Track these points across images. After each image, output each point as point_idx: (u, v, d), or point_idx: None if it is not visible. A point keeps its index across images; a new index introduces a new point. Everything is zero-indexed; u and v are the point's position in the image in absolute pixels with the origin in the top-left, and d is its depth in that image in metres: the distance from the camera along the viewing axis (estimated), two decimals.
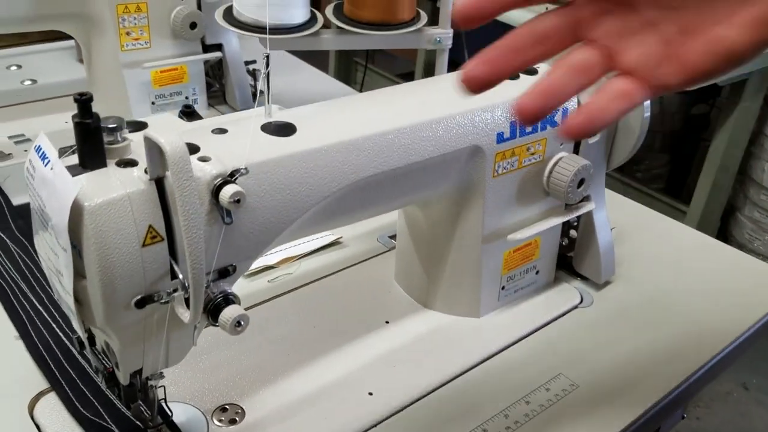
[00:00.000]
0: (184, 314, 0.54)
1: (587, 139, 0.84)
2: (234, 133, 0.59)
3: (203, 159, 0.54)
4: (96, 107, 1.18)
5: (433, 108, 0.69)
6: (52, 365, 0.71)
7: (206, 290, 0.57)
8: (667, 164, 2.74)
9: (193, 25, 1.17)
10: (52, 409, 0.68)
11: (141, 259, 0.51)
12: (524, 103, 0.43)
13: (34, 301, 0.79)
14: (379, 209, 0.70)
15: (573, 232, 0.92)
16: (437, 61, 1.22)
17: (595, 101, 0.43)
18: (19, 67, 1.37)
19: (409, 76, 3.17)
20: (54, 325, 0.76)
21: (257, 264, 0.89)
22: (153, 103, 1.20)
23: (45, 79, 1.33)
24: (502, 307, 0.86)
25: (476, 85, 0.43)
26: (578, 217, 0.90)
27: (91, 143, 0.50)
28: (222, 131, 0.59)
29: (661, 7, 0.42)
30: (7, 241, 0.89)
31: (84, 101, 0.48)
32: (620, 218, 1.06)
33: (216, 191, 0.53)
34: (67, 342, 0.74)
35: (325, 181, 0.61)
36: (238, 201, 0.53)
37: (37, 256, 0.59)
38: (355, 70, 3.22)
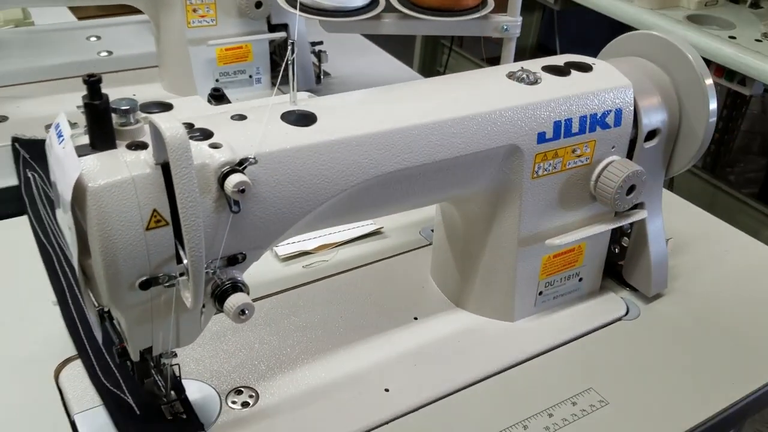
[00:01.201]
0: (188, 298, 0.55)
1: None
2: (253, 120, 0.58)
3: (214, 146, 0.54)
4: (163, 82, 1.19)
5: (467, 104, 0.66)
6: (81, 333, 0.74)
7: (214, 276, 0.57)
8: (763, 169, 2.57)
9: (258, 5, 1.18)
10: (76, 376, 0.70)
11: (145, 242, 0.52)
12: None
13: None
14: (403, 206, 0.68)
15: (625, 240, 0.87)
16: (504, 49, 1.18)
17: None
18: (99, 38, 1.42)
19: (495, 61, 3.10)
20: None
21: (294, 249, 0.90)
22: (217, 80, 1.22)
23: (121, 51, 1.38)
24: (538, 313, 0.82)
25: None
26: (631, 225, 0.85)
27: (100, 124, 0.50)
28: (241, 117, 0.59)
29: None
30: None
31: (92, 83, 0.48)
32: (687, 228, 0.99)
33: (222, 179, 0.53)
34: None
35: (342, 175, 0.60)
36: (243, 191, 0.52)
37: None
38: (441, 52, 3.17)
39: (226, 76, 1.22)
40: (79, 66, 1.31)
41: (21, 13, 1.47)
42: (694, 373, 0.77)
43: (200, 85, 1.21)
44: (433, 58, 3.17)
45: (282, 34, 1.24)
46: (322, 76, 1.32)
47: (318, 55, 1.30)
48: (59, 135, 0.53)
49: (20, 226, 0.92)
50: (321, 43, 1.32)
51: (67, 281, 0.81)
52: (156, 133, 0.49)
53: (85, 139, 0.53)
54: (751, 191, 2.53)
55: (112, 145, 0.52)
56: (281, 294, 0.83)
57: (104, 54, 1.37)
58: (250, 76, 1.25)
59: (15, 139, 1.05)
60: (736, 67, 1.70)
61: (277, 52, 1.31)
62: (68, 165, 0.50)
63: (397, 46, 1.61)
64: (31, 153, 1.02)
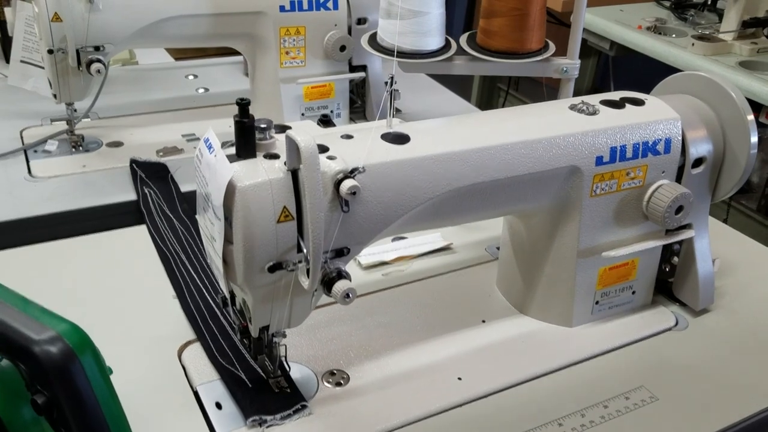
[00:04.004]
0: (305, 282, 0.67)
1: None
2: (358, 139, 0.71)
3: (330, 158, 0.67)
4: (255, 114, 1.36)
5: (535, 129, 0.78)
6: (199, 321, 0.87)
7: (324, 266, 0.69)
8: None
9: (342, 48, 1.32)
10: (196, 356, 0.83)
11: (275, 232, 0.64)
12: None
13: (191, 269, 0.96)
14: (478, 215, 0.80)
15: (675, 259, 0.96)
16: (562, 89, 1.29)
17: None
18: (196, 76, 1.60)
19: None
20: (204, 290, 0.92)
21: (375, 259, 1.02)
22: (302, 114, 1.36)
23: (216, 88, 1.54)
24: (595, 321, 0.92)
25: None
26: (680, 244, 0.94)
27: (246, 138, 0.63)
28: (349, 137, 0.71)
29: None
30: (174, 220, 1.07)
31: (243, 105, 0.62)
32: (734, 253, 1.07)
33: (337, 184, 0.65)
34: (212, 304, 0.89)
35: (430, 185, 0.72)
36: (354, 193, 0.64)
37: (197, 233, 0.74)
38: (498, 95, 3.30)
39: (310, 110, 1.37)
40: (180, 101, 1.48)
41: (128, 53, 1.66)
42: (737, 378, 0.85)
43: (288, 119, 1.35)
44: (489, 100, 3.30)
45: (361, 74, 1.39)
46: (394, 113, 1.45)
47: (392, 93, 1.44)
48: (209, 147, 0.66)
49: (139, 233, 1.06)
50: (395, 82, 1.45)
51: (183, 279, 0.94)
52: (291, 144, 0.62)
53: (227, 151, 0.66)
54: None
55: (253, 155, 0.65)
56: (365, 296, 0.95)
57: (201, 90, 1.53)
58: (332, 111, 1.39)
59: (133, 161, 1.21)
60: None
61: (355, 91, 1.46)
62: (220, 169, 0.63)
63: (456, 88, 1.74)
64: (146, 172, 1.17)
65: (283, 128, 0.72)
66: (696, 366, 0.87)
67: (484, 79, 3.26)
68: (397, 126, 0.75)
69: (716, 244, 1.03)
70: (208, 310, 0.88)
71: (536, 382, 0.83)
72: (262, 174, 0.64)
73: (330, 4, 1.31)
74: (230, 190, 0.63)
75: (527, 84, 3.52)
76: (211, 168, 0.65)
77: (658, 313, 0.95)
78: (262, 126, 0.66)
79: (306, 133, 0.61)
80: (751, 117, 0.89)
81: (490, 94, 3.31)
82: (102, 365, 0.54)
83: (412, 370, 0.83)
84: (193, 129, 1.35)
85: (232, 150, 0.66)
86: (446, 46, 1.21)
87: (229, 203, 0.63)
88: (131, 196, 1.14)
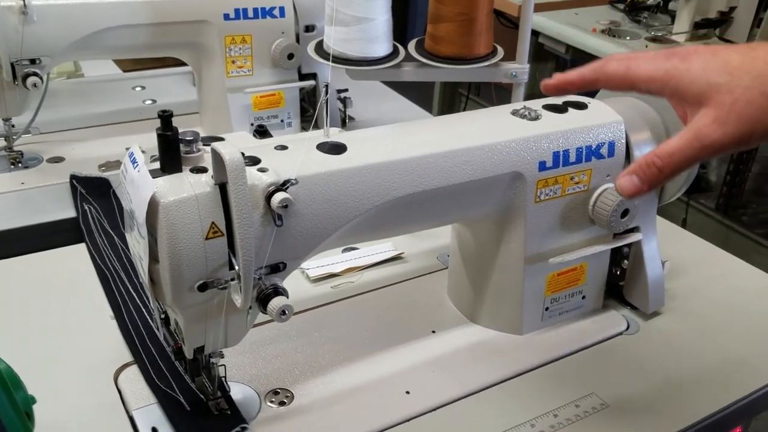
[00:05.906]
0: (238, 300, 0.64)
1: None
2: (292, 149, 0.69)
3: (262, 170, 0.64)
4: (203, 126, 1.32)
5: (476, 136, 0.76)
6: (137, 342, 0.83)
7: (259, 282, 0.66)
8: None
9: (290, 56, 1.30)
10: (133, 379, 0.79)
11: (204, 249, 0.62)
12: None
13: (130, 288, 0.92)
14: (421, 225, 0.78)
15: (625, 263, 0.95)
16: (513, 94, 1.28)
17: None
18: (143, 88, 1.56)
19: None
20: (143, 310, 0.88)
21: (324, 271, 0.99)
22: (252, 124, 1.34)
23: (163, 99, 1.51)
24: (545, 327, 0.91)
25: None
26: (629, 248, 0.93)
27: (170, 152, 0.61)
28: (283, 148, 0.69)
29: None
30: (115, 237, 1.03)
31: (166, 117, 0.59)
32: (684, 254, 1.07)
33: (269, 197, 0.63)
34: (151, 324, 0.86)
35: (368, 196, 0.70)
36: (286, 206, 0.62)
37: None
38: (459, 100, 3.30)
39: (260, 120, 1.34)
40: (127, 113, 1.44)
41: (72, 65, 1.62)
42: (688, 381, 0.84)
43: (237, 129, 1.32)
44: (450, 107, 3.29)
45: (311, 83, 1.36)
46: (347, 121, 1.43)
47: (343, 101, 1.42)
48: (133, 161, 0.63)
49: (78, 252, 1.02)
50: (346, 90, 1.44)
51: (122, 299, 0.91)
52: (217, 157, 0.59)
53: (153, 166, 0.64)
54: (765, 231, 2.59)
55: (178, 169, 0.62)
56: (312, 310, 0.93)
57: (149, 102, 1.50)
58: (282, 121, 1.36)
59: (73, 177, 1.17)
60: None
61: (306, 99, 1.43)
62: (143, 185, 0.60)
63: (416, 95, 1.73)
64: (86, 188, 1.14)
65: (215, 139, 0.69)
66: (646, 370, 0.86)
67: (444, 86, 3.26)
68: (335, 135, 0.73)
69: (668, 246, 1.03)
70: (147, 331, 0.85)
71: (485, 393, 0.81)
72: (187, 189, 0.61)
73: (276, 12, 1.29)
74: (153, 207, 0.60)
75: (488, 89, 3.53)
76: (134, 184, 0.62)
77: (609, 317, 0.94)
78: (188, 138, 0.63)
79: (232, 145, 0.59)
80: None
81: (452, 101, 3.30)
82: (11, 395, 0.51)
83: (358, 385, 0.80)
84: (139, 142, 1.29)
85: (158, 164, 0.63)
86: (394, 53, 1.20)
87: (153, 220, 0.61)
88: (71, 213, 1.10)
